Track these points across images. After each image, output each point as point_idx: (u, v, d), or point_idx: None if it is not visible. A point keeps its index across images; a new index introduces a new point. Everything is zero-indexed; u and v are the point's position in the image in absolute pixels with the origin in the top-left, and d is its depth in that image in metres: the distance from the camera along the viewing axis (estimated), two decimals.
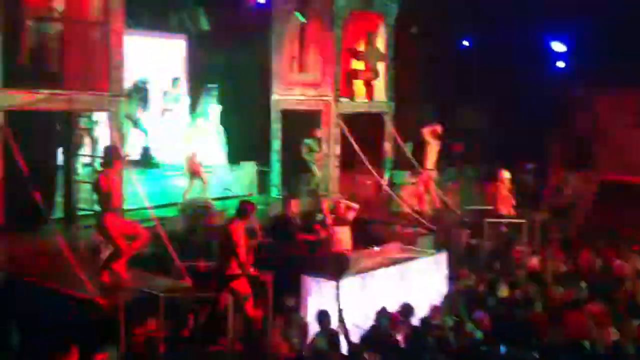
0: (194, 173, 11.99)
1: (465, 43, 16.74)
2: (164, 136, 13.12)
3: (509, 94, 16.20)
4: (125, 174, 9.02)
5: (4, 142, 8.67)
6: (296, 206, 10.29)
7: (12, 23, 9.08)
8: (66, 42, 9.99)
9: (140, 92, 12.47)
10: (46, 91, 9.20)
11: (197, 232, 10.43)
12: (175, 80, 13.19)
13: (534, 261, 11.23)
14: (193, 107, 13.86)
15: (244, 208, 8.53)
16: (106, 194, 8.13)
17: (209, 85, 13.23)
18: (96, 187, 8.27)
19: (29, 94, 9.01)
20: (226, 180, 13.20)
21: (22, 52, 9.42)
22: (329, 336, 8.05)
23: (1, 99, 8.73)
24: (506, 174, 12.78)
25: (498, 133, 16.36)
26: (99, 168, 8.91)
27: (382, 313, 8.59)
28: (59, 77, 9.81)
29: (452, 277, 10.46)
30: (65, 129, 10.42)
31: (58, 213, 9.99)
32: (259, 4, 13.50)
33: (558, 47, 16.37)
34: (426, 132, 13.43)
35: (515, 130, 16.19)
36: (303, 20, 13.46)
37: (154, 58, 13.87)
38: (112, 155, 8.45)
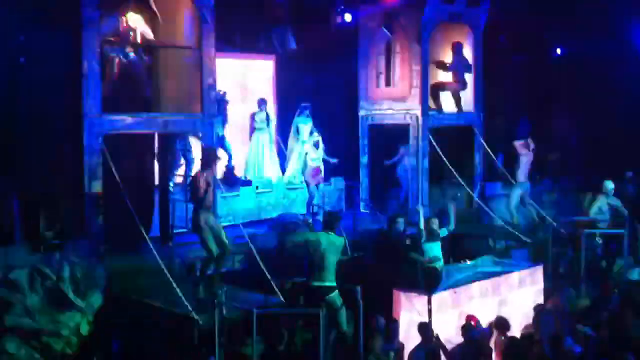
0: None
1: (558, 51, 16.23)
2: (253, 155, 13.36)
3: (604, 103, 15.60)
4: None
5: (104, 164, 9.10)
6: (403, 225, 10.26)
7: (108, 53, 9.56)
8: (161, 67, 10.42)
9: (220, 103, 12.75)
10: (143, 115, 9.61)
11: (288, 247, 10.53)
12: (261, 101, 13.41)
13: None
14: (283, 126, 14.07)
15: (331, 220, 8.58)
16: (201, 193, 8.38)
17: (303, 104, 13.39)
18: (193, 185, 8.53)
19: (127, 118, 9.43)
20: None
21: (110, 78, 9.87)
22: (429, 350, 7.95)
23: (101, 124, 9.18)
24: (609, 185, 12.24)
25: (594, 143, 15.77)
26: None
27: (469, 328, 8.43)
28: (154, 101, 10.24)
29: (549, 291, 10.15)
30: (161, 151, 10.81)
31: (155, 232, 10.33)
32: (345, 22, 13.60)
33: None
34: (518, 145, 13.15)
35: (611, 139, 15.56)
36: (389, 34, 13.47)
37: (244, 78, 14.19)
38: (210, 157, 8.71)
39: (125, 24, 10.09)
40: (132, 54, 10.11)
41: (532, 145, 13.12)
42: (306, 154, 12.71)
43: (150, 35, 10.25)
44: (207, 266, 8.66)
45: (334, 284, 8.23)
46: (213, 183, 8.71)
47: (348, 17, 13.44)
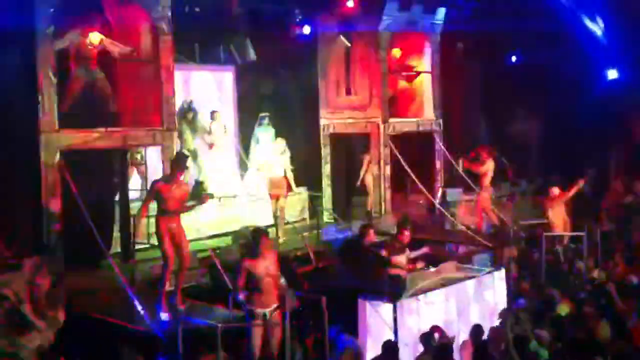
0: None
1: (513, 58, 16.48)
2: (215, 166, 13.26)
3: (562, 108, 15.90)
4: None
5: (62, 181, 8.95)
6: (374, 235, 10.25)
7: (63, 68, 9.41)
8: (118, 80, 10.30)
9: (188, 113, 12.64)
10: (101, 129, 9.48)
11: None
12: (212, 112, 13.24)
13: (598, 274, 10.93)
14: (244, 137, 14.00)
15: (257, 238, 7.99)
16: (165, 199, 8.27)
17: (262, 114, 13.35)
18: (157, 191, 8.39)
19: (85, 133, 9.29)
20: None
21: (72, 94, 9.73)
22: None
23: (58, 139, 9.04)
24: (555, 191, 12.58)
25: (552, 146, 16.06)
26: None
27: (429, 337, 8.44)
28: (112, 115, 10.11)
29: (512, 294, 10.26)
30: (120, 165, 10.67)
31: (116, 248, 10.19)
32: (304, 34, 13.62)
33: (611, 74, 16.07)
34: (481, 152, 13.30)
35: (570, 142, 15.86)
36: (348, 43, 13.54)
37: (202, 89, 14.10)
38: (179, 164, 8.56)
39: (86, 39, 9.92)
40: (96, 70, 9.95)
41: (494, 154, 13.31)
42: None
43: (115, 50, 10.07)
44: (165, 277, 8.50)
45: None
46: (179, 189, 8.54)
47: (307, 30, 13.47)
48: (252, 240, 8.10)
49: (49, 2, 8.91)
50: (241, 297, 7.82)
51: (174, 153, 9.56)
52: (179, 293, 8.53)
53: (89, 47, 9.91)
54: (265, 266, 7.82)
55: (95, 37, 9.92)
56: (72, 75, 9.79)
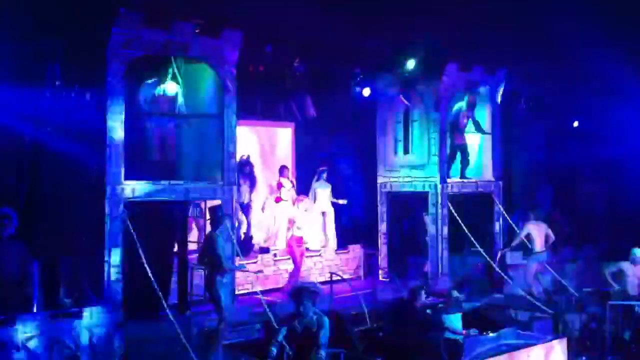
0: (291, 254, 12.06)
1: (575, 124, 16.23)
2: (274, 222, 13.34)
3: (627, 171, 15.56)
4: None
5: (125, 231, 9.12)
6: (425, 296, 10.11)
7: (131, 120, 9.71)
8: (183, 135, 10.55)
9: (245, 167, 12.82)
10: (165, 182, 9.67)
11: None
12: (282, 168, 13.46)
13: None
14: (300, 191, 14.10)
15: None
16: (214, 253, 8.36)
17: (320, 169, 13.47)
18: (204, 246, 8.52)
19: (149, 185, 9.50)
20: (334, 263, 13.22)
21: (141, 147, 10.00)
22: None
23: (122, 191, 9.25)
24: (638, 252, 12.05)
25: (618, 211, 15.66)
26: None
27: None
28: (176, 168, 10.32)
29: None
30: (180, 217, 10.83)
31: (173, 299, 10.26)
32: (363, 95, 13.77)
33: None
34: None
35: (637, 207, 15.43)
36: (407, 103, 13.61)
37: (263, 144, 14.34)
38: (216, 215, 8.67)
39: (162, 92, 10.23)
40: (170, 123, 10.24)
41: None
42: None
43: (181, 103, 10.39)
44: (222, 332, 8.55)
45: None
46: (225, 242, 8.65)
47: (366, 92, 13.61)
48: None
49: (121, 59, 9.23)
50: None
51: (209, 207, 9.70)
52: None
53: (162, 97, 10.21)
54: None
55: (172, 88, 10.23)
56: (144, 126, 10.07)
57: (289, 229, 12.11)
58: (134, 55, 9.36)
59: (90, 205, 9.36)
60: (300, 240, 11.97)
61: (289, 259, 12.30)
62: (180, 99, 10.32)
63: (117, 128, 9.25)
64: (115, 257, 9.11)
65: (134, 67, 9.47)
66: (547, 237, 12.80)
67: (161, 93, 10.23)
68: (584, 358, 10.20)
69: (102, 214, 9.15)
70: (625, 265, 11.93)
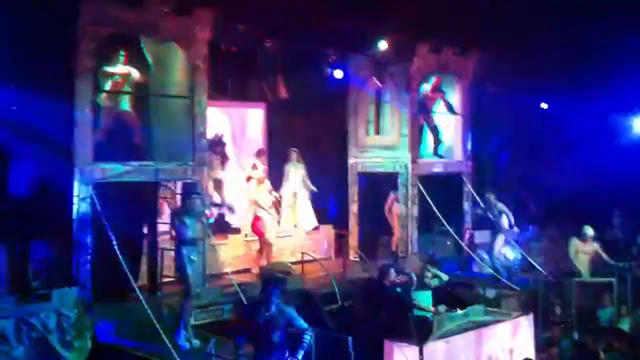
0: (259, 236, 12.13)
1: (544, 106, 16.41)
2: (245, 202, 13.34)
3: (592, 152, 15.81)
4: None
5: (93, 213, 9.06)
6: (393, 275, 10.21)
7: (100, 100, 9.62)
8: (152, 115, 10.47)
9: (217, 146, 12.78)
10: (134, 163, 9.60)
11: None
12: (259, 151, 13.48)
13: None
14: (272, 173, 14.10)
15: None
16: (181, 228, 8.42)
17: (291, 149, 13.47)
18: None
19: (118, 166, 9.42)
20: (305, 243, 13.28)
21: (110, 128, 9.92)
22: None
23: (91, 172, 9.16)
24: (589, 230, 12.41)
25: (583, 190, 15.91)
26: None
27: None
28: (145, 149, 10.25)
29: (540, 340, 10.12)
30: (149, 199, 10.78)
31: (143, 281, 10.24)
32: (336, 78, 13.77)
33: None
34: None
35: (600, 187, 15.71)
36: (379, 84, 13.64)
37: (233, 124, 14.28)
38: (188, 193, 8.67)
39: (120, 73, 10.16)
40: (126, 103, 10.17)
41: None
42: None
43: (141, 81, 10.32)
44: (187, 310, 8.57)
45: None
46: (194, 218, 8.66)
47: (338, 74, 13.62)
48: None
49: (91, 37, 9.11)
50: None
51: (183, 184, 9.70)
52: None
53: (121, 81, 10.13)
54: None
55: (137, 74, 10.16)
56: (104, 108, 9.98)
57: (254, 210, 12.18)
58: (103, 33, 9.24)
59: (59, 187, 9.28)
60: (258, 220, 12.05)
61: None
62: (136, 76, 10.23)
63: (84, 108, 9.14)
64: (84, 239, 9.04)
65: (103, 46, 9.36)
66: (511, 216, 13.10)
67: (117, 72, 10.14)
68: (549, 334, 10.39)
69: (71, 195, 9.07)
70: (577, 243, 12.37)
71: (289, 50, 13.10)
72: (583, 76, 14.59)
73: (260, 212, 12.14)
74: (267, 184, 12.68)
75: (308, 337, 7.00)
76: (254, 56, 13.28)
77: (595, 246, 12.63)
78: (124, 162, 9.56)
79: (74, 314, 8.37)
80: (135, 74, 10.26)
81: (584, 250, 12.57)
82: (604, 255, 12.57)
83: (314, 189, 13.57)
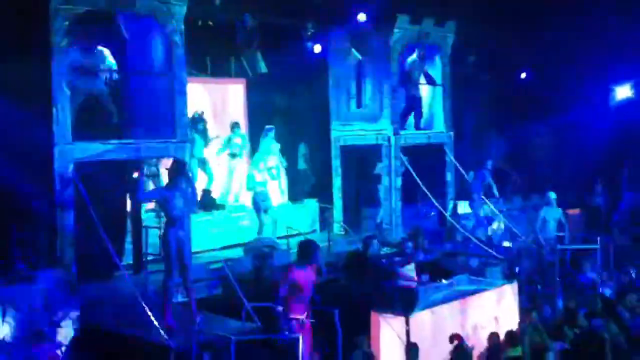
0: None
1: (523, 75, 16.44)
2: (228, 178, 13.30)
3: (574, 122, 15.92)
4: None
5: (76, 193, 8.99)
6: (377, 245, 10.25)
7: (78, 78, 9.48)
8: (132, 92, 10.36)
9: (198, 123, 12.70)
10: (115, 141, 9.52)
11: (264, 272, 10.49)
12: (235, 124, 13.38)
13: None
14: (254, 148, 14.04)
15: (305, 250, 8.08)
16: (168, 207, 8.31)
17: (267, 127, 13.36)
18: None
19: (99, 145, 9.34)
20: (289, 218, 13.28)
21: (88, 107, 9.81)
22: None
23: (72, 152, 9.08)
24: (553, 195, 12.84)
25: (564, 160, 16.06)
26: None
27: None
28: (126, 128, 10.16)
29: (525, 308, 10.24)
30: (132, 177, 10.69)
31: (128, 259, 10.21)
32: (315, 52, 13.68)
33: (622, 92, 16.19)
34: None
35: (582, 156, 15.85)
36: (359, 57, 13.58)
37: (215, 102, 14.18)
38: (173, 169, 8.57)
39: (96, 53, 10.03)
40: (103, 82, 10.06)
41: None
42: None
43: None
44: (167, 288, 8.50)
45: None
46: (181, 197, 8.54)
47: (317, 48, 13.53)
48: (301, 251, 8.06)
49: (64, 16, 8.97)
50: (280, 308, 7.77)
51: (172, 161, 9.53)
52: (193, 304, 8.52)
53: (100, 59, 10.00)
54: (308, 275, 7.90)
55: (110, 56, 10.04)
56: (80, 87, 9.85)
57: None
58: (78, 11, 9.09)
59: (40, 168, 9.18)
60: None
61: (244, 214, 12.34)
62: (111, 60, 10.11)
63: (62, 87, 9.02)
64: (67, 219, 8.98)
65: (78, 24, 9.21)
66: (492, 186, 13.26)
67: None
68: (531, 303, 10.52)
69: (52, 176, 8.99)
70: (545, 210, 12.60)
71: (267, 24, 12.99)
72: (568, 46, 14.64)
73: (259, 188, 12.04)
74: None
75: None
76: (232, 32, 13.14)
77: (559, 211, 12.87)
78: (104, 141, 9.46)
79: (59, 295, 8.32)
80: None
81: (553, 216, 12.84)
82: (562, 219, 13.00)
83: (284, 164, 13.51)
